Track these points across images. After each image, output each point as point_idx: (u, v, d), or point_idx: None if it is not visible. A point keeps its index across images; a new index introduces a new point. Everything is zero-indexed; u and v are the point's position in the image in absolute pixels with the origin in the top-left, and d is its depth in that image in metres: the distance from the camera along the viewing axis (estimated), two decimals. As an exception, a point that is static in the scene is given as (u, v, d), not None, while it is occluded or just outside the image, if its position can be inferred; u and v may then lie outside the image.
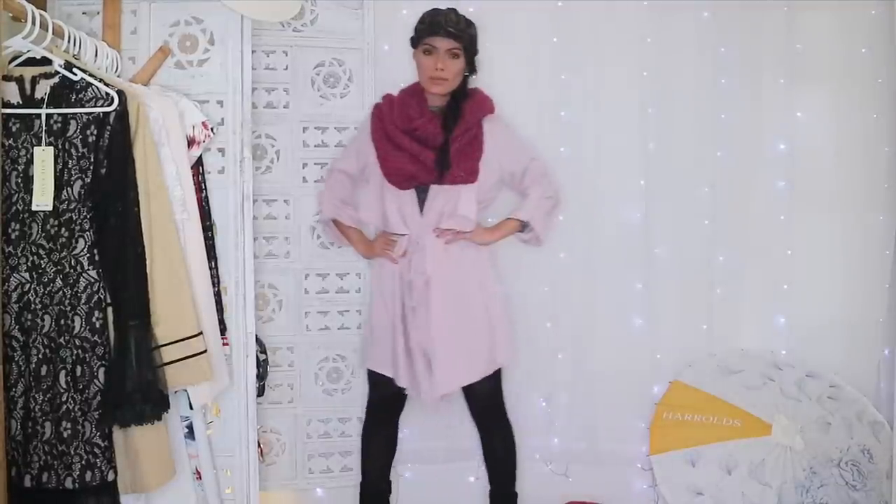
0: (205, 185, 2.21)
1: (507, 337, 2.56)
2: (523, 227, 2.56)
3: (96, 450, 1.78)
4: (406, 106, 2.47)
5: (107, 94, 1.82)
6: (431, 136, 2.41)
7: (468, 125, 2.44)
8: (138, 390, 1.79)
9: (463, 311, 2.47)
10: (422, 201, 2.45)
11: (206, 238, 2.13)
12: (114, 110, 1.81)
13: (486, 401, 2.56)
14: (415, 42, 2.48)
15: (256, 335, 2.32)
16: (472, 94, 2.50)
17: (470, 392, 2.55)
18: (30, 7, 1.74)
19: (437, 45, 2.41)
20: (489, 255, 2.59)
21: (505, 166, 2.52)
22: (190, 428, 2.11)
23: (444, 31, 2.39)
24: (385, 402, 2.56)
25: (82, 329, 1.79)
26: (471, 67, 2.50)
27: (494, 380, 2.55)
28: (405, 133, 2.43)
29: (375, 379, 2.56)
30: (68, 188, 1.80)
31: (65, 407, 1.77)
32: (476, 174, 2.44)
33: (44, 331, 1.78)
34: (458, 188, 2.42)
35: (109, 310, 1.82)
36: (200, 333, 1.94)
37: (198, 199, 2.11)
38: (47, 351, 1.78)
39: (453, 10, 2.46)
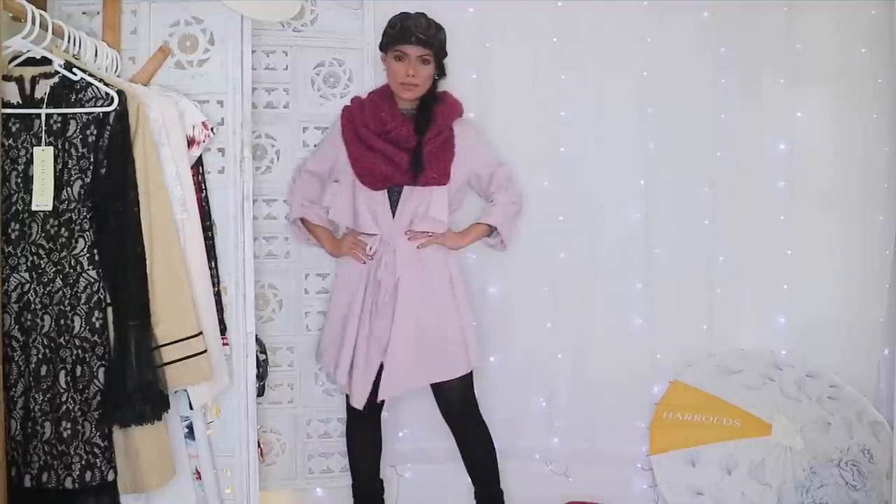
0: (205, 185, 2.21)
1: (476, 340, 2.56)
2: (490, 231, 2.58)
3: (96, 450, 1.78)
4: (377, 108, 2.47)
5: (107, 94, 1.82)
6: (404, 138, 2.42)
7: (440, 129, 2.45)
8: (138, 390, 1.79)
9: (430, 313, 2.47)
10: (394, 202, 2.46)
11: (206, 238, 2.13)
12: (114, 110, 1.81)
13: (458, 403, 2.55)
14: (384, 47, 2.48)
15: (256, 335, 2.32)
16: (442, 99, 2.51)
17: (441, 395, 2.54)
18: (30, 7, 1.74)
19: (407, 51, 2.41)
20: (458, 258, 2.61)
21: (472, 168, 2.54)
22: (190, 428, 2.11)
23: (415, 38, 2.40)
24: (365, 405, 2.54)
25: (82, 329, 1.79)
26: (440, 71, 2.50)
27: (466, 382, 2.54)
28: (378, 135, 2.43)
29: None
30: (68, 188, 1.80)
31: (65, 407, 1.77)
32: (448, 176, 2.45)
33: (44, 331, 1.78)
34: (431, 190, 2.44)
35: (109, 310, 1.82)
36: (200, 333, 1.94)
37: (198, 199, 2.11)
38: (47, 351, 1.78)
39: (423, 15, 2.46)
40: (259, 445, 2.41)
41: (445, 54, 2.50)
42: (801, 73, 2.77)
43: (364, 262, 2.48)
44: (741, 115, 2.80)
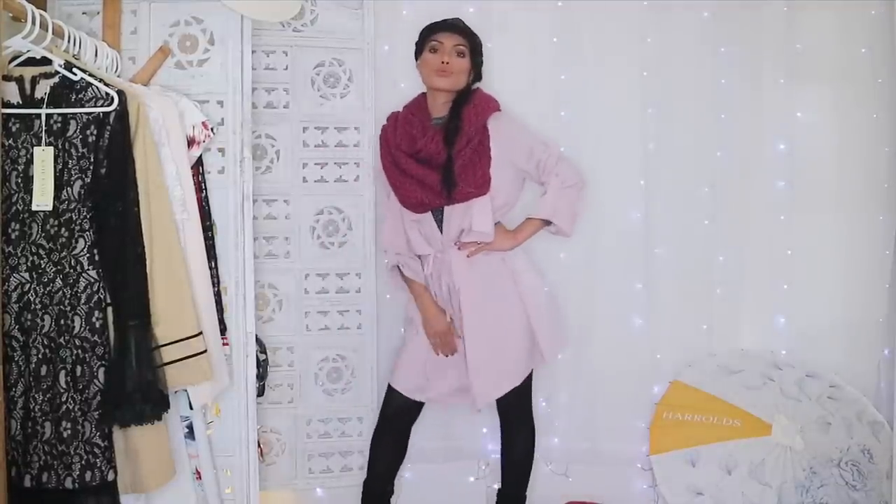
0: (205, 185, 2.21)
1: (551, 329, 2.53)
2: (548, 221, 2.51)
3: (96, 450, 1.78)
4: (409, 124, 2.45)
5: (107, 94, 1.82)
6: (434, 154, 2.38)
7: (469, 135, 2.39)
8: (138, 390, 1.79)
9: (497, 316, 2.44)
10: (439, 220, 2.44)
11: (206, 238, 2.13)
12: (114, 110, 1.81)
13: (515, 399, 2.53)
14: (419, 49, 2.47)
15: (256, 335, 2.32)
16: (471, 99, 2.45)
17: None
18: (30, 7, 1.74)
19: (443, 40, 2.41)
20: (522, 249, 2.54)
21: (516, 163, 2.46)
22: (190, 428, 2.12)
23: (450, 28, 2.42)
24: (401, 413, 2.54)
25: (82, 329, 1.79)
26: (476, 73, 2.49)
27: (525, 380, 2.53)
28: (410, 156, 2.41)
29: (394, 393, 2.54)
30: (68, 188, 1.80)
31: (65, 407, 1.77)
32: (488, 184, 2.39)
33: (44, 331, 1.78)
34: (471, 203, 2.39)
35: (109, 310, 1.82)
36: (200, 333, 1.94)
37: (198, 199, 2.11)
38: (47, 351, 1.78)
39: (459, 18, 2.49)
40: (259, 445, 2.41)
41: (481, 57, 2.49)
42: (801, 73, 2.77)
43: (446, 355, 2.49)
44: (741, 115, 2.80)
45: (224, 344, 2.20)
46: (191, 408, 2.07)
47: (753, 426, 2.71)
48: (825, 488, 2.61)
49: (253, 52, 2.30)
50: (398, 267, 2.53)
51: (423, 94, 2.52)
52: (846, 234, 2.79)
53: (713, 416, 2.74)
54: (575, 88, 2.80)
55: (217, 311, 2.16)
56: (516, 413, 2.57)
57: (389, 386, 2.55)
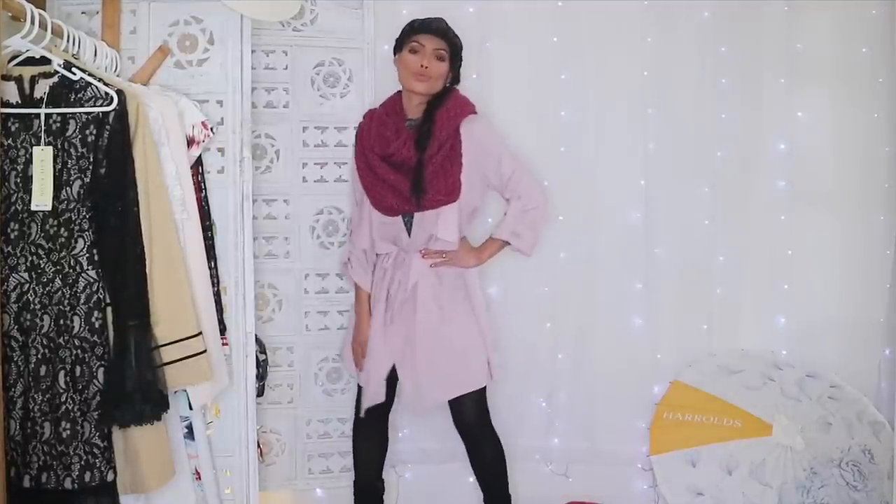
0: (204, 185, 2.21)
1: (496, 351, 2.54)
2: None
3: (95, 450, 1.77)
4: (383, 126, 2.43)
5: (106, 93, 1.82)
6: (407, 159, 2.37)
7: (441, 140, 2.37)
8: (138, 390, 1.79)
9: (450, 323, 2.44)
10: (408, 223, 2.43)
11: (205, 238, 2.13)
12: (113, 110, 1.81)
13: (473, 413, 2.51)
14: (399, 45, 2.45)
15: (256, 335, 2.32)
16: (445, 101, 2.42)
17: (455, 405, 2.51)
18: (29, 6, 1.74)
19: (424, 42, 2.39)
20: (478, 269, 2.55)
21: (484, 171, 2.45)
22: (190, 428, 2.11)
23: (433, 30, 2.39)
24: (373, 406, 2.52)
25: (81, 329, 1.78)
26: (455, 76, 2.47)
27: (480, 393, 2.51)
28: (383, 160, 2.40)
29: (362, 388, 2.55)
30: (67, 188, 1.80)
31: (64, 407, 1.77)
32: (457, 192, 2.38)
33: (43, 331, 1.78)
34: (441, 210, 2.38)
35: (109, 310, 1.81)
36: (200, 333, 1.94)
37: (197, 198, 2.11)
38: (46, 351, 1.77)
39: (441, 19, 2.45)
40: (259, 445, 2.41)
41: (461, 61, 2.47)
42: (801, 73, 2.77)
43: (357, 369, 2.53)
44: (741, 115, 2.80)
45: (224, 344, 2.20)
46: (190, 408, 2.07)
47: (754, 426, 2.71)
48: (826, 489, 2.61)
49: (253, 51, 2.30)
50: (348, 265, 2.55)
51: (399, 93, 2.50)
52: (846, 233, 2.79)
53: (713, 417, 2.74)
54: (575, 88, 2.80)
55: (217, 311, 2.16)
56: (478, 429, 2.53)
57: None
